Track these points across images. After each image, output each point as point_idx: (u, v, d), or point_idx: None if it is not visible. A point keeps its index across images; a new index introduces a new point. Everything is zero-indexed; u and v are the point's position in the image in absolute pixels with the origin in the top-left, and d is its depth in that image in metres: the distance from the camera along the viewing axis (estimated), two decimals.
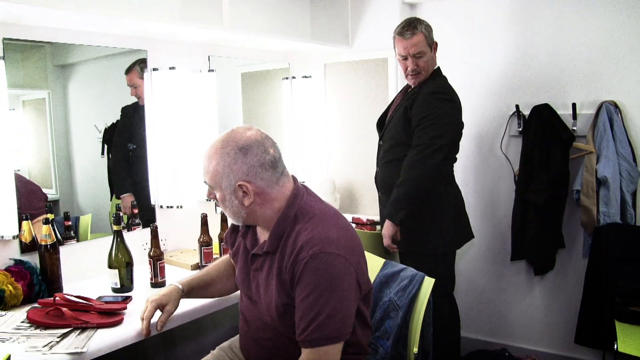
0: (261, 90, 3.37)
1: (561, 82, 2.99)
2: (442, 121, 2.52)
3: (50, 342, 1.65)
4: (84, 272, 2.31)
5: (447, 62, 3.07)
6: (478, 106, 3.21)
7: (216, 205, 2.85)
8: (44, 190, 2.31)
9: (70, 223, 2.31)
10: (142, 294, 2.04)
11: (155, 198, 2.62)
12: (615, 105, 2.82)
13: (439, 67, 2.71)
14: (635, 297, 2.58)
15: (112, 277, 2.13)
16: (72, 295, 1.91)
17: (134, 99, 2.61)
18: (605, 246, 2.76)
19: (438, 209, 2.61)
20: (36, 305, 1.90)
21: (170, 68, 2.54)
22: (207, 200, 1.71)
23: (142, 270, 2.28)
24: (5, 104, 2.00)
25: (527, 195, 2.94)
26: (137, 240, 2.50)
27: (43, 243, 2.02)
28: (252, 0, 3.10)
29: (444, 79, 2.68)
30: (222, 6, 2.57)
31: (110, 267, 2.13)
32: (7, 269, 1.99)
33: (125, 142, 2.61)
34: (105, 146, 2.54)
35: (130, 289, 2.15)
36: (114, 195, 2.58)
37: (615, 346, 2.37)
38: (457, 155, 2.70)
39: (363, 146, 3.41)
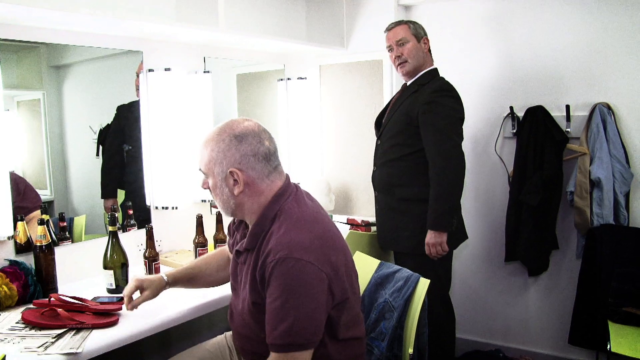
0: (256, 92, 3.37)
1: (555, 84, 3.01)
2: (448, 119, 2.57)
3: (45, 343, 1.65)
4: (79, 272, 2.30)
5: (442, 64, 3.07)
6: (472, 108, 3.22)
7: (211, 205, 2.86)
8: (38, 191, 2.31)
9: (65, 224, 2.31)
10: (137, 295, 2.03)
11: (151, 199, 2.62)
12: (609, 107, 2.84)
13: (436, 69, 2.74)
14: (628, 298, 2.60)
15: (108, 278, 2.13)
16: (67, 296, 1.91)
17: (130, 99, 2.60)
18: (598, 247, 2.78)
19: None
20: (31, 306, 1.90)
21: (165, 69, 2.54)
22: (202, 188, 1.72)
23: (137, 271, 2.28)
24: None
25: (521, 197, 2.95)
26: (133, 241, 2.49)
27: (38, 244, 2.02)
28: (247, 2, 3.10)
29: (444, 79, 2.71)
30: (218, 7, 2.57)
31: (105, 267, 2.13)
32: (2, 270, 1.98)
33: (119, 143, 2.61)
34: (100, 147, 2.53)
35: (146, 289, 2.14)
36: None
37: (609, 346, 2.39)
38: None
39: (358, 147, 3.42)
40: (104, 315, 1.85)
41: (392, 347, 2.00)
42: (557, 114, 2.96)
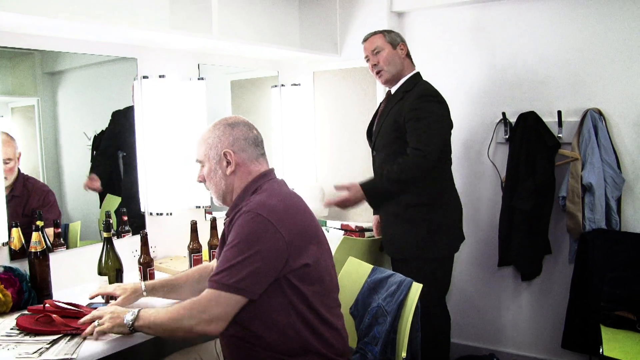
0: (250, 98, 3.39)
1: (547, 90, 3.03)
2: (434, 125, 2.55)
3: (40, 349, 1.65)
4: (74, 279, 2.31)
5: (435, 70, 3.12)
6: (465, 114, 3.24)
7: (206, 211, 2.87)
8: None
9: (59, 230, 2.32)
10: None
11: (145, 205, 2.63)
12: (600, 113, 2.86)
13: (418, 73, 2.74)
14: (620, 302, 2.62)
15: (102, 284, 2.12)
16: (61, 302, 1.91)
17: (124, 105, 2.61)
18: (590, 252, 2.80)
19: (444, 213, 2.66)
20: (26, 312, 1.90)
21: (160, 76, 2.55)
22: (198, 182, 1.88)
23: (132, 277, 2.28)
24: None
25: (513, 202, 2.97)
26: (127, 247, 2.50)
27: (33, 250, 2.02)
28: (241, 9, 3.12)
29: (427, 83, 2.70)
30: (212, 15, 2.59)
31: (100, 273, 2.13)
32: None
33: (114, 149, 2.62)
34: (95, 153, 2.54)
35: (113, 298, 2.15)
36: (103, 202, 2.58)
37: (601, 350, 2.40)
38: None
39: (351, 153, 3.44)
40: None
41: (386, 351, 2.00)
42: (549, 119, 2.98)
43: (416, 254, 2.63)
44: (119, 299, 1.94)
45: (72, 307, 1.90)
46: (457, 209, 2.76)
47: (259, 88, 3.42)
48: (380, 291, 2.14)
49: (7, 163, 2.17)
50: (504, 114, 3.10)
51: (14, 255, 2.12)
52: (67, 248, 2.35)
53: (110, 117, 2.58)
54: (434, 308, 2.63)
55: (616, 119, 2.88)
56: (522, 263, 3.05)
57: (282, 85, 3.39)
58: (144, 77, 2.54)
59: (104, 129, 2.56)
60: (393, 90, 2.73)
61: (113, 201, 2.62)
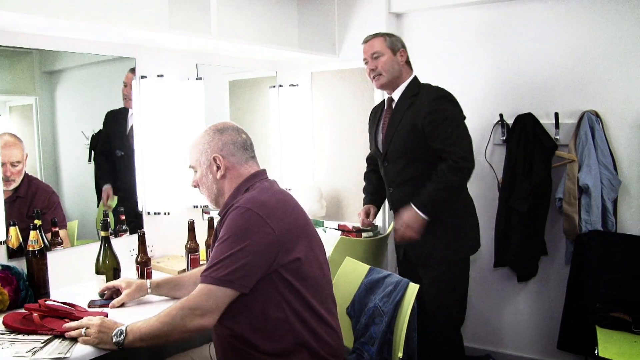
0: (249, 98, 3.39)
1: (544, 92, 3.05)
2: (461, 125, 2.56)
3: (34, 348, 1.66)
4: (72, 277, 2.31)
5: (432, 71, 3.13)
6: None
7: (203, 211, 2.88)
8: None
9: (57, 229, 2.32)
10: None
11: (143, 204, 2.63)
12: (597, 115, 2.87)
13: (416, 76, 2.71)
14: (615, 303, 2.63)
15: (100, 283, 2.14)
16: (56, 301, 1.91)
17: (121, 105, 2.61)
18: (586, 253, 2.81)
19: (464, 214, 2.66)
20: (15, 310, 1.92)
21: (158, 76, 2.56)
22: (192, 186, 1.92)
23: (129, 276, 2.27)
24: None
25: (510, 203, 2.98)
26: (125, 246, 2.50)
27: (30, 249, 2.03)
28: (240, 10, 3.13)
29: (431, 85, 2.69)
30: (210, 15, 2.60)
31: (97, 272, 2.14)
32: None
33: (112, 148, 2.63)
34: (93, 153, 2.54)
35: (117, 294, 2.15)
36: (101, 202, 2.59)
37: (596, 351, 2.41)
38: None
39: (349, 154, 3.45)
40: None
41: (382, 351, 2.02)
42: (546, 121, 2.99)
43: (445, 257, 2.61)
44: (123, 294, 2.01)
45: (67, 307, 1.90)
46: (474, 209, 2.74)
47: (257, 88, 3.43)
48: (376, 291, 2.15)
49: (15, 166, 2.19)
50: (501, 115, 3.12)
51: (12, 253, 2.12)
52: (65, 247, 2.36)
53: (105, 117, 2.59)
54: (454, 309, 2.66)
55: (613, 121, 2.89)
56: (519, 264, 3.06)
57: (280, 85, 3.40)
58: (143, 76, 2.55)
59: (101, 128, 2.56)
60: (395, 97, 2.68)
61: (111, 200, 2.63)
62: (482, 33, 3.20)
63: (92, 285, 2.19)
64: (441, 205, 2.52)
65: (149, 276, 2.25)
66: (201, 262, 2.47)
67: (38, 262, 2.04)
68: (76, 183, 2.50)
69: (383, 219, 3.36)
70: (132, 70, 2.58)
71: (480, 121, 3.22)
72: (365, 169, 3.04)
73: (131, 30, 2.25)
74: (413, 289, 2.03)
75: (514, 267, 3.13)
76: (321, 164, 3.61)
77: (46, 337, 1.73)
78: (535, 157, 2.95)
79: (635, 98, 2.83)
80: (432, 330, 2.65)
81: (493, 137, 3.18)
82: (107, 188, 2.59)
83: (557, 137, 2.96)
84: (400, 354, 1.94)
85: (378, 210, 2.94)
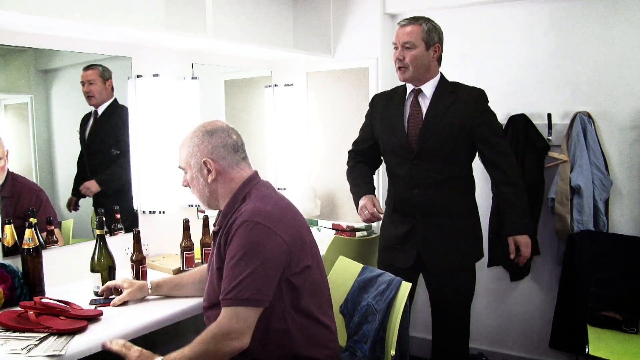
0: (244, 98, 3.40)
1: (537, 93, 3.07)
2: (500, 126, 2.56)
3: (28, 345, 1.67)
4: (67, 276, 2.32)
5: None
6: None
7: (198, 210, 2.89)
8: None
9: (52, 227, 2.33)
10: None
11: (138, 203, 2.64)
12: (589, 116, 2.90)
13: (441, 73, 2.58)
14: (606, 302, 2.65)
15: (95, 281, 2.15)
16: (52, 299, 1.93)
17: (119, 102, 2.62)
18: (578, 253, 2.84)
19: (476, 219, 2.61)
20: (10, 308, 1.93)
21: (154, 75, 2.57)
22: (183, 186, 1.92)
23: (124, 274, 2.30)
24: None
25: None
26: (120, 244, 2.52)
27: (26, 247, 2.03)
28: (235, 9, 3.14)
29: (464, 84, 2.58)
30: (206, 15, 2.61)
31: (92, 270, 2.15)
32: None
33: (107, 147, 2.63)
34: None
35: (116, 292, 2.17)
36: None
37: (587, 350, 2.44)
38: None
39: (344, 154, 3.45)
40: (77, 319, 1.85)
41: (375, 349, 2.03)
42: (539, 122, 3.01)
43: (466, 263, 2.56)
44: (124, 293, 2.03)
45: (62, 305, 1.91)
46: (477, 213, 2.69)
47: (252, 88, 3.44)
48: (370, 290, 2.17)
49: None
50: None
51: (7, 252, 2.13)
52: (60, 245, 2.36)
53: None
54: (467, 312, 2.64)
55: (605, 122, 2.92)
56: (511, 263, 3.07)
57: (276, 85, 3.42)
58: (138, 76, 2.56)
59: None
60: (427, 91, 2.49)
61: (106, 199, 2.63)
62: (475, 34, 3.22)
63: (87, 284, 2.20)
64: (528, 213, 2.47)
65: (144, 275, 2.26)
66: (196, 261, 2.49)
67: (33, 260, 2.05)
68: (71, 182, 2.51)
69: None
70: (87, 68, 2.50)
71: None
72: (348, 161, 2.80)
73: (127, 30, 2.25)
74: (406, 287, 2.05)
75: (507, 266, 3.15)
76: (316, 163, 3.62)
77: (41, 335, 1.74)
78: (527, 158, 2.97)
79: (627, 99, 2.86)
80: (451, 334, 2.60)
81: None
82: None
83: (550, 137, 2.99)
84: (392, 352, 1.95)
85: None
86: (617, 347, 2.47)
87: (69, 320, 1.83)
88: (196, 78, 2.80)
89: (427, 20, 2.48)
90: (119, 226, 2.59)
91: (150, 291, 2.09)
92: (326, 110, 3.55)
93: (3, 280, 1.99)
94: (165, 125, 2.63)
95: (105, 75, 2.54)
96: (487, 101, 2.50)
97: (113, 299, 2.05)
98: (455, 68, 3.26)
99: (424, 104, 2.49)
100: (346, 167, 2.79)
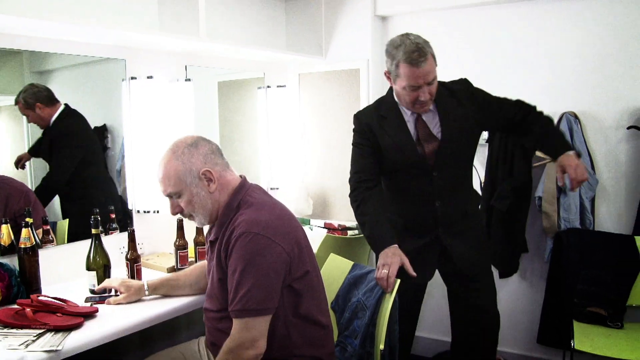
0: (237, 99, 3.44)
1: (524, 94, 3.08)
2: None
3: (26, 341, 1.70)
4: (63, 274, 2.35)
5: None
6: None
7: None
8: None
9: (48, 227, 2.36)
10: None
11: (133, 203, 2.68)
12: (575, 116, 2.95)
13: None
14: (592, 299, 2.72)
15: (91, 279, 2.18)
16: (48, 297, 1.96)
17: (113, 105, 2.65)
18: (565, 250, 2.89)
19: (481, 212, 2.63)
20: (8, 305, 1.96)
21: (148, 77, 2.60)
22: (174, 214, 1.88)
23: (119, 273, 2.33)
24: None
25: (492, 202, 3.05)
26: (115, 244, 2.55)
27: (22, 246, 2.06)
28: (228, 12, 3.18)
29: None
30: (199, 17, 2.65)
31: (88, 269, 2.18)
32: None
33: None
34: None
35: (107, 290, 2.21)
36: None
37: (572, 344, 2.49)
38: None
39: (335, 154, 3.51)
40: (73, 317, 1.89)
41: (365, 344, 2.07)
42: None
43: (489, 263, 2.56)
44: (121, 296, 2.04)
45: (57, 302, 1.95)
46: None
47: (245, 89, 3.48)
48: (360, 286, 2.20)
49: None
50: None
51: (4, 251, 2.16)
52: (56, 245, 2.40)
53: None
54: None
55: (591, 122, 2.97)
56: (500, 261, 3.13)
57: (268, 86, 3.45)
58: (132, 78, 2.59)
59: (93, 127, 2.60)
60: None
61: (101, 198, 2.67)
62: (463, 35, 3.27)
63: (82, 282, 2.23)
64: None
65: (139, 273, 2.29)
66: (190, 259, 2.52)
67: (30, 259, 2.08)
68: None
69: None
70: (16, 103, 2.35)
71: None
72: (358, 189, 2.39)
73: (121, 33, 2.29)
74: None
75: (496, 264, 3.19)
76: (308, 163, 3.67)
77: (39, 331, 1.78)
78: (515, 158, 3.01)
79: (612, 100, 2.91)
80: (485, 331, 2.56)
81: None
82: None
83: None
84: (381, 346, 1.99)
85: None
86: (602, 341, 2.53)
87: (65, 317, 1.87)
88: (190, 80, 2.83)
89: (425, 42, 2.24)
90: (113, 226, 2.63)
91: (147, 293, 2.11)
92: (318, 111, 3.59)
93: (0, 279, 2.02)
94: (159, 126, 2.66)
95: (29, 102, 2.37)
96: (472, 84, 2.49)
97: (109, 296, 2.09)
98: (444, 70, 3.31)
99: (431, 117, 2.35)
100: (351, 197, 2.41)
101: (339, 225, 3.25)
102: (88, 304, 2.04)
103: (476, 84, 3.20)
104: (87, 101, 2.61)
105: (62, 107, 2.48)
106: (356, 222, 3.14)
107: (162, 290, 2.13)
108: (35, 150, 2.43)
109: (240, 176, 1.89)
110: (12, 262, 2.12)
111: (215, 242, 1.83)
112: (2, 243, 2.15)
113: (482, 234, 2.57)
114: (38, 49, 2.32)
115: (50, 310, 1.89)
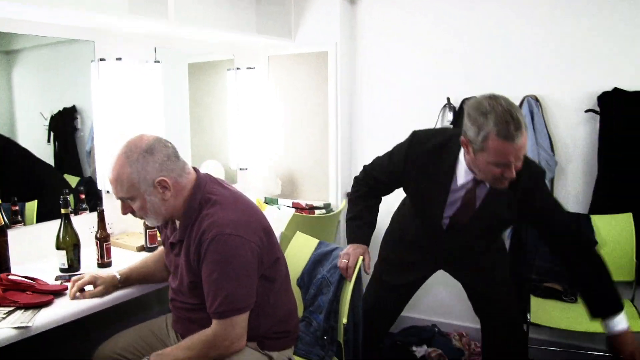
0: (207, 81, 3.46)
1: (488, 77, 3.21)
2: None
3: None
4: (32, 254, 2.37)
5: (385, 57, 3.24)
6: (412, 98, 3.40)
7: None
8: None
9: (17, 208, 2.37)
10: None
11: (102, 184, 2.70)
12: (536, 99, 3.05)
13: None
14: (548, 274, 2.84)
15: (60, 258, 2.21)
16: (18, 276, 1.99)
17: (82, 87, 2.66)
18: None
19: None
20: None
21: (117, 59, 2.61)
22: (124, 214, 1.85)
23: (89, 252, 2.36)
24: None
25: None
26: (85, 224, 2.56)
27: None
28: None
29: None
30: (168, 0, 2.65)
31: (58, 248, 2.21)
32: None
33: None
34: (52, 133, 2.59)
35: (77, 269, 2.24)
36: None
37: (528, 317, 2.61)
38: None
39: (304, 135, 3.57)
40: (43, 294, 1.92)
41: (329, 318, 2.16)
42: None
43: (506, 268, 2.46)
44: (96, 290, 1.99)
45: (27, 280, 1.97)
46: None
47: (215, 71, 3.49)
48: (325, 263, 2.28)
49: None
50: (448, 98, 3.27)
51: None
52: (25, 225, 2.42)
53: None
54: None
55: (551, 105, 3.08)
56: None
57: (238, 68, 3.48)
58: (101, 59, 2.60)
59: (60, 109, 2.60)
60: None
61: (71, 181, 2.69)
62: (431, 19, 3.33)
63: (52, 262, 2.26)
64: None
65: (108, 252, 2.32)
66: (159, 238, 2.56)
67: None
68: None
69: (335, 197, 3.50)
70: None
71: (428, 104, 3.36)
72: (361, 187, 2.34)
73: (90, 14, 2.28)
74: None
75: None
76: (277, 144, 3.72)
77: (9, 309, 1.82)
78: None
79: (572, 83, 3.02)
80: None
81: (441, 119, 3.33)
82: None
83: None
84: (345, 320, 2.07)
85: None
86: (557, 314, 2.66)
87: (35, 295, 1.90)
88: (159, 62, 2.84)
89: (517, 109, 1.89)
90: (83, 206, 2.65)
91: (120, 285, 2.06)
92: (287, 93, 3.64)
93: None
94: (128, 108, 2.68)
95: None
96: (545, 184, 2.16)
97: (79, 274, 2.11)
98: (412, 52, 3.39)
99: (480, 195, 2.11)
100: (352, 190, 2.38)
101: (307, 204, 3.31)
102: (58, 282, 2.07)
103: (442, 67, 3.31)
104: (55, 82, 2.61)
105: None
106: (323, 202, 3.24)
107: (133, 280, 2.10)
108: None
109: (194, 169, 1.86)
110: None
111: (179, 243, 1.84)
112: None
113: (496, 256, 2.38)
114: (6, 30, 2.31)
115: (20, 288, 1.92)
